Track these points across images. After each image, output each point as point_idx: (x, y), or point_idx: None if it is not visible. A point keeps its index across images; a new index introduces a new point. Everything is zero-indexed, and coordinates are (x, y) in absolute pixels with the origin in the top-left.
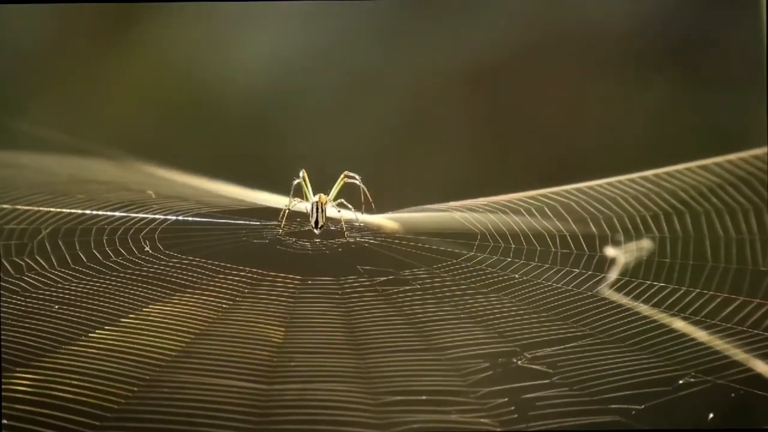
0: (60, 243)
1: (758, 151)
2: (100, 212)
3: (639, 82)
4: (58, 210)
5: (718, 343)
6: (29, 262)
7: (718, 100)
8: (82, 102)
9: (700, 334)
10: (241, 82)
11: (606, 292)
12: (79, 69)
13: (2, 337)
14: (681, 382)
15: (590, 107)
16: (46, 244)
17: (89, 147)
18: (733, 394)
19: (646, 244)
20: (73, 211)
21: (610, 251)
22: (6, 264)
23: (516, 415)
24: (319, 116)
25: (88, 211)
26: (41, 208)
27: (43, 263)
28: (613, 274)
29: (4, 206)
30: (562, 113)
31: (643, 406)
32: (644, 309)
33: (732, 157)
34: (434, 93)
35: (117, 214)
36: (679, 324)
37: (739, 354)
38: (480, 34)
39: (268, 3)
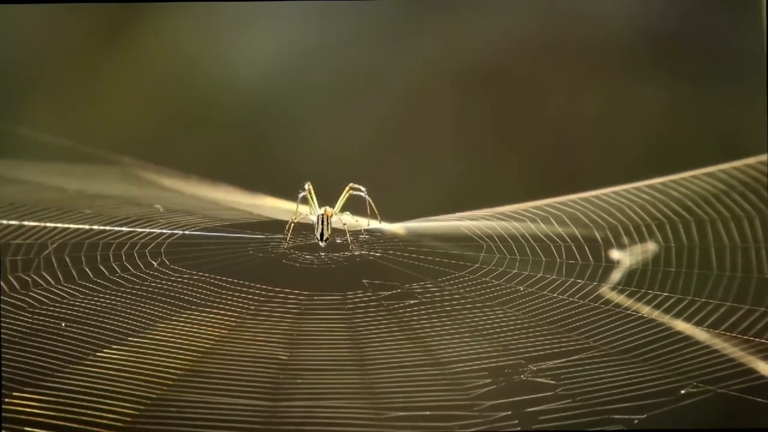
0: (66, 258)
1: (763, 157)
2: (107, 227)
3: (639, 83)
4: (65, 225)
5: (722, 353)
6: (35, 277)
7: (719, 100)
8: (81, 104)
9: (704, 344)
10: (241, 83)
11: (611, 301)
12: (77, 71)
13: (9, 355)
14: (683, 392)
15: (592, 107)
16: (53, 260)
17: (89, 151)
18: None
19: (651, 246)
20: (80, 226)
21: (615, 254)
22: (12, 279)
23: (519, 428)
24: (319, 117)
25: (95, 227)
26: (48, 224)
27: (50, 279)
28: (617, 275)
29: (12, 222)
30: (563, 113)
31: (645, 416)
32: (648, 320)
33: (737, 164)
34: (435, 93)
35: (124, 229)
36: (683, 334)
37: (742, 362)
38: (480, 34)
39: (269, 3)
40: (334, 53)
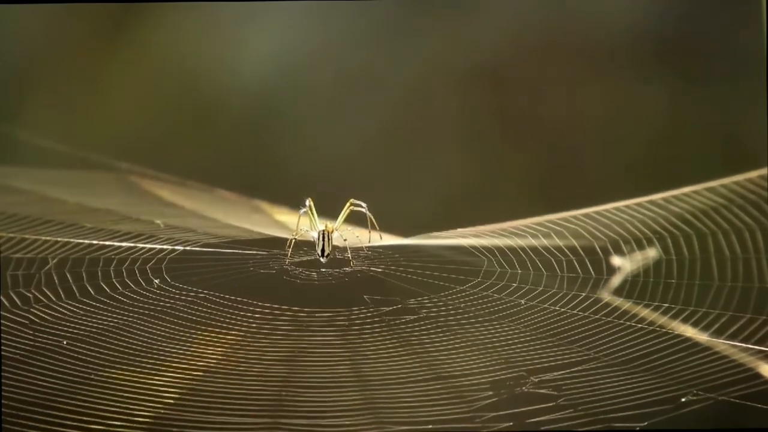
0: (67, 274)
1: (763, 171)
2: (108, 242)
3: (641, 84)
4: (66, 240)
5: (722, 361)
6: (36, 294)
7: (720, 101)
8: (80, 106)
9: (705, 353)
10: (242, 85)
11: (612, 312)
12: (76, 72)
13: (9, 373)
14: (683, 399)
15: (594, 108)
16: (54, 276)
17: (87, 155)
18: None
19: (651, 253)
20: (81, 241)
21: (615, 260)
22: (13, 295)
23: None
24: (319, 118)
25: (95, 242)
26: (49, 238)
27: (51, 295)
28: (617, 280)
29: (12, 235)
30: (566, 115)
31: (646, 423)
32: (649, 330)
33: (738, 177)
34: (436, 95)
35: (125, 244)
36: (684, 344)
37: (743, 370)
38: (482, 36)
39: (270, 4)
40: (335, 54)
